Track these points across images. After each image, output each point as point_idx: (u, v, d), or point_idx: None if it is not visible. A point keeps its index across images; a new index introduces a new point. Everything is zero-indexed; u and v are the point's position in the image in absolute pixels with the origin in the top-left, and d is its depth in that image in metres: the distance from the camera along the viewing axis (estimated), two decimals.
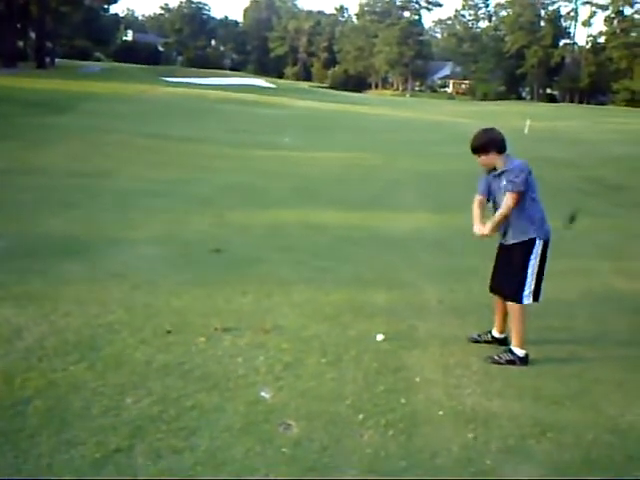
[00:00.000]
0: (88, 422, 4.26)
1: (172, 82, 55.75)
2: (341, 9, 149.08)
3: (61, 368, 4.96)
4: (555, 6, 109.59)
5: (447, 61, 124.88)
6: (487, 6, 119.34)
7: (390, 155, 21.94)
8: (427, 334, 6.24)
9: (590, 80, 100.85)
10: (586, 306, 7.58)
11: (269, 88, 66.96)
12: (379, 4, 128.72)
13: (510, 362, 5.75)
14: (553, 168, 21.06)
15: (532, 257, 5.78)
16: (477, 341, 6.16)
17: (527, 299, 5.79)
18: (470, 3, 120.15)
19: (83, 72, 62.08)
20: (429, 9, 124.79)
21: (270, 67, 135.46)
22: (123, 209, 11.01)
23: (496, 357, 5.79)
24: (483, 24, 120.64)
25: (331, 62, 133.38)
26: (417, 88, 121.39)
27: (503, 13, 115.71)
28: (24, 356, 5.13)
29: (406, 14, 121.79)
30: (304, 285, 7.55)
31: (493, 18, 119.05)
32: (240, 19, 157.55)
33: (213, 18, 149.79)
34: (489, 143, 5.87)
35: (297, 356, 5.49)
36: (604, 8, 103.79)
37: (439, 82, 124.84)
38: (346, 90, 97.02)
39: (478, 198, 6.07)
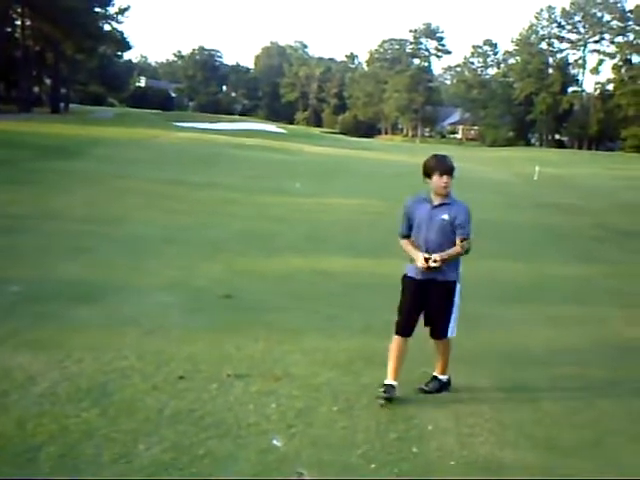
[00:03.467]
0: (100, 469, 4.28)
1: (183, 127, 56.31)
2: (351, 56, 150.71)
3: (74, 414, 4.99)
4: (563, 54, 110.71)
5: (456, 107, 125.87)
6: (496, 53, 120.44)
7: (399, 201, 21.97)
8: None
9: (599, 127, 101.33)
10: (599, 354, 7.55)
11: (280, 133, 67.55)
12: (389, 51, 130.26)
13: (440, 389, 6.05)
14: (563, 214, 21.13)
15: (457, 295, 5.92)
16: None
17: (454, 331, 5.94)
18: (479, 50, 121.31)
19: (96, 117, 62.88)
20: (438, 56, 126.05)
21: (281, 113, 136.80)
22: (135, 255, 11.06)
23: (426, 387, 6.05)
24: (492, 71, 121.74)
25: (341, 108, 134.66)
26: (427, 134, 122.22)
27: (512, 60, 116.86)
28: (37, 402, 5.16)
29: (416, 61, 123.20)
30: (315, 332, 7.55)
31: (502, 65, 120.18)
32: (251, 65, 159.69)
33: (225, 65, 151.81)
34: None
35: (309, 404, 5.49)
36: (612, 56, 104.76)
37: (449, 128, 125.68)
38: (356, 136, 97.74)
39: (405, 241, 6.02)
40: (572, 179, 37.82)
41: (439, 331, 5.93)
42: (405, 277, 5.98)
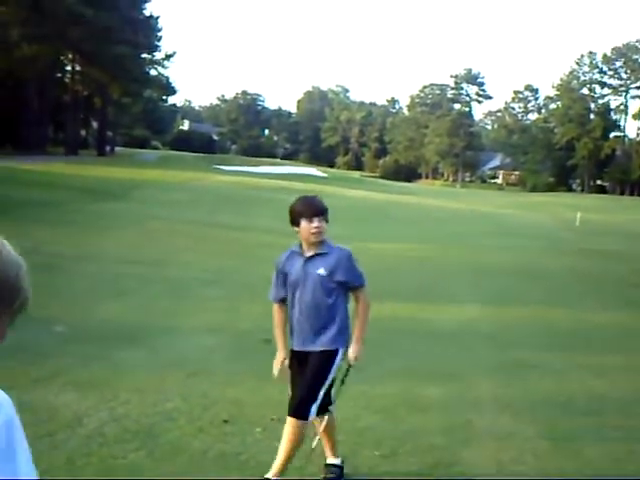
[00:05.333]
0: None
1: (226, 170, 56.95)
2: (392, 101, 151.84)
3: (120, 455, 5.06)
4: (605, 99, 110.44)
5: (497, 152, 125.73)
6: (537, 99, 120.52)
7: (439, 246, 21.98)
8: (482, 429, 6.21)
9: None
10: None
11: (321, 177, 67.97)
12: (430, 96, 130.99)
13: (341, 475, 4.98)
14: (602, 260, 20.90)
15: (334, 368, 4.78)
16: None
17: (313, 414, 4.72)
18: (520, 96, 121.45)
19: (140, 160, 63.89)
20: (479, 101, 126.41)
21: (322, 156, 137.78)
22: (176, 297, 11.22)
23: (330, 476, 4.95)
24: (533, 116, 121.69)
25: (382, 152, 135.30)
26: (467, 179, 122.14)
27: (553, 106, 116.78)
28: (85, 442, 5.24)
29: (456, 106, 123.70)
30: (356, 377, 7.54)
31: (543, 110, 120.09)
32: (293, 110, 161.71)
33: (267, 109, 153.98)
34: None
35: (352, 448, 5.51)
36: None
37: (489, 173, 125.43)
38: (397, 180, 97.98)
39: (278, 308, 4.90)
40: (613, 225, 37.46)
41: (298, 406, 4.70)
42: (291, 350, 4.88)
